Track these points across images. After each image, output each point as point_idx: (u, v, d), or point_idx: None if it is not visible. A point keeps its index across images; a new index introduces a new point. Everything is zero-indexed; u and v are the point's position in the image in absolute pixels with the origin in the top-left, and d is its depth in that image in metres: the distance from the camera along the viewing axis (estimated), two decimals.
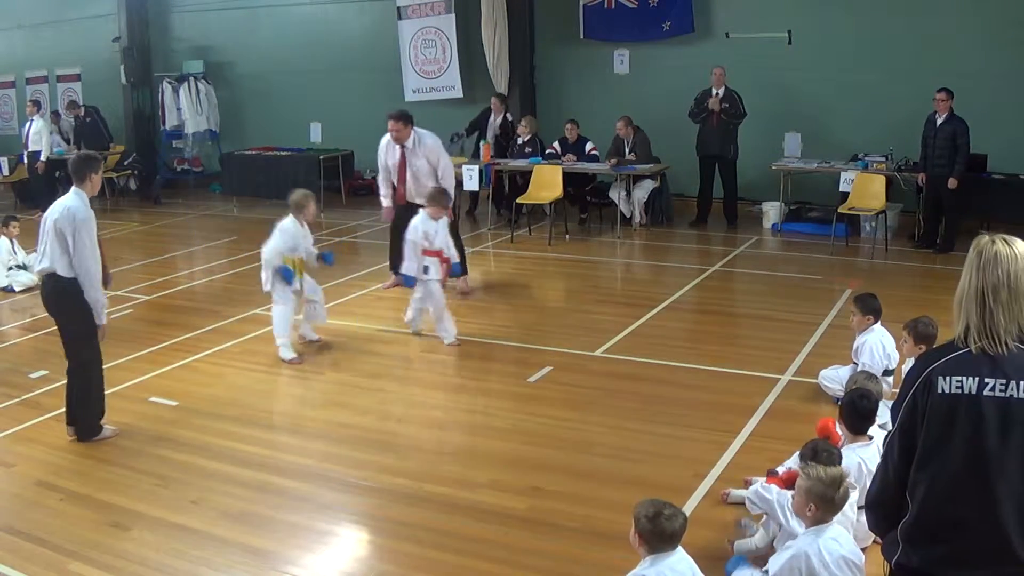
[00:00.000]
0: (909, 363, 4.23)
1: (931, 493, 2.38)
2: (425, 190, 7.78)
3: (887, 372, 5.47)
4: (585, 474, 5.11)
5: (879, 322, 5.61)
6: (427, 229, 7.08)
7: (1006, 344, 2.31)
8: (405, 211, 8.35)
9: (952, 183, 9.44)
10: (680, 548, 3.30)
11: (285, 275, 6.74)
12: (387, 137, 8.28)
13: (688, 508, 4.41)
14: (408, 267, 7.09)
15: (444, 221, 7.25)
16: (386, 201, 8.55)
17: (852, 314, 5.71)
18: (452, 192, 8.19)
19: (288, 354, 6.76)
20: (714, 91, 11.14)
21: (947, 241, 9.69)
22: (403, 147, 8.16)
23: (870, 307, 5.62)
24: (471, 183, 11.46)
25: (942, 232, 9.79)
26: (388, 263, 8.92)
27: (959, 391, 2.32)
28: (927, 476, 2.38)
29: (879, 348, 5.48)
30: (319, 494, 4.74)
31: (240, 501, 4.66)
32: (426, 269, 7.06)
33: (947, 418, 2.34)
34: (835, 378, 5.71)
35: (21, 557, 4.13)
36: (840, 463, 3.85)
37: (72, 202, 5.26)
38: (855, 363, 5.58)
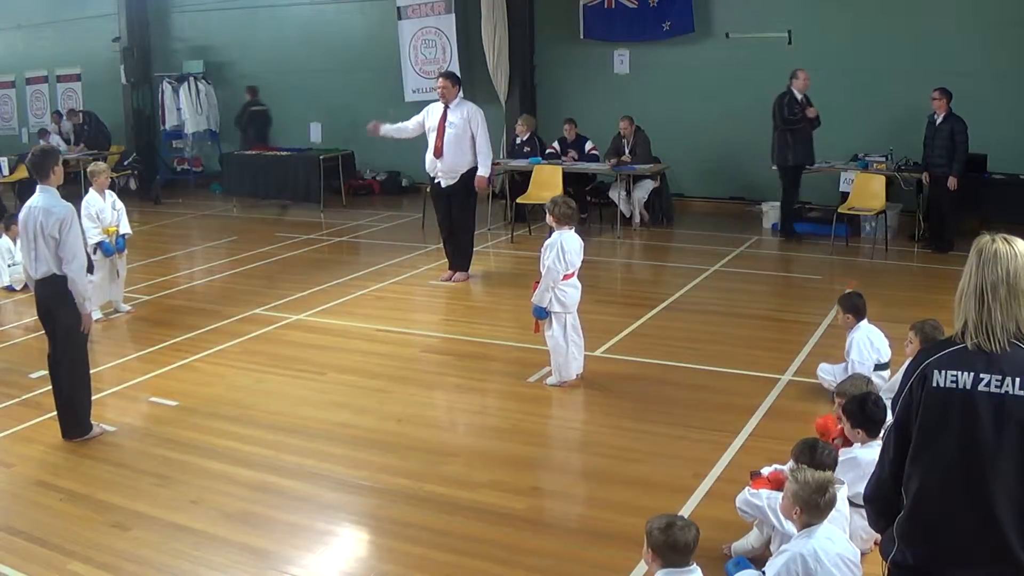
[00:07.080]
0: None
1: (924, 488, 2.38)
2: (459, 158, 8.64)
3: (879, 367, 5.52)
4: (585, 474, 5.12)
5: (865, 319, 5.72)
6: (571, 247, 5.96)
7: (1001, 341, 2.31)
8: (445, 199, 8.92)
9: (952, 183, 9.41)
10: (696, 567, 3.28)
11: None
12: (433, 105, 8.96)
13: (688, 508, 4.42)
14: (542, 296, 5.98)
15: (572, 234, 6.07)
16: (387, 126, 9.08)
17: (838, 313, 5.86)
18: (488, 165, 8.90)
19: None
20: (799, 96, 10.31)
21: (946, 241, 9.66)
22: (447, 106, 8.74)
23: (849, 305, 5.76)
24: None
25: (943, 232, 9.75)
26: (447, 259, 9.25)
27: (953, 385, 2.32)
28: (920, 470, 2.38)
29: (866, 344, 5.58)
30: (319, 494, 4.74)
31: (240, 501, 4.66)
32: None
33: (941, 412, 2.34)
34: (830, 371, 5.77)
35: (21, 557, 4.13)
36: (836, 462, 3.84)
37: (46, 202, 5.20)
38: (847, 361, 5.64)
